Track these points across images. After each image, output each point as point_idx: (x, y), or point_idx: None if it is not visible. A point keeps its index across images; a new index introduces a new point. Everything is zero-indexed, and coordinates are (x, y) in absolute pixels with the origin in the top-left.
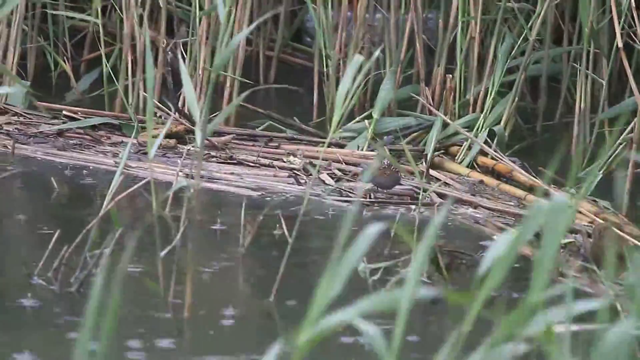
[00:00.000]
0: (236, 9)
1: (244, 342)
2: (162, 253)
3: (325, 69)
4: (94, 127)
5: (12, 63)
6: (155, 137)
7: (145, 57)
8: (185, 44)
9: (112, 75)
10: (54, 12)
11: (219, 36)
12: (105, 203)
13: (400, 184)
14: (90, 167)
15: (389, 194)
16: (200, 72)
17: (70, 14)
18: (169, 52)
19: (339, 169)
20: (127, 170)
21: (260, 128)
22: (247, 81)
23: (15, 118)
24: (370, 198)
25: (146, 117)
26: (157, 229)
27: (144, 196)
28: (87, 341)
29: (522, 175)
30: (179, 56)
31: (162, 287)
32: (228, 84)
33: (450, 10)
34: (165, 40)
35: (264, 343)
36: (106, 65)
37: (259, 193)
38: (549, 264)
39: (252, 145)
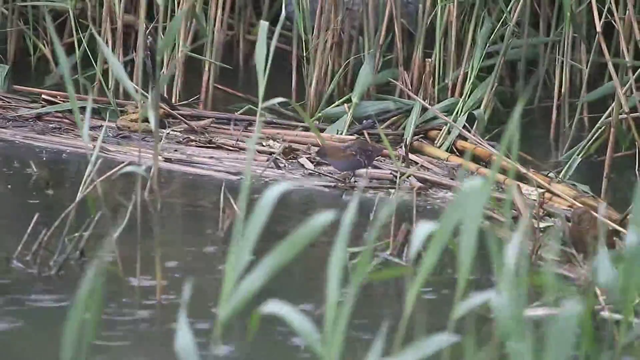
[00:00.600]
0: None
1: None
2: (115, 235)
3: (304, 53)
4: (72, 111)
5: None
6: (133, 120)
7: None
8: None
9: (92, 60)
10: (31, 3)
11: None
12: (82, 187)
13: (360, 168)
14: (69, 151)
15: (368, 179)
16: (178, 55)
17: (46, 2)
18: (149, 37)
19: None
20: (106, 154)
21: (239, 112)
22: (226, 65)
23: None
24: (349, 182)
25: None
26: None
27: (124, 180)
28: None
29: (501, 159)
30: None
31: (138, 273)
32: (207, 68)
33: None
34: (145, 24)
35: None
36: (81, 49)
37: (238, 177)
38: (470, 245)
39: (231, 129)
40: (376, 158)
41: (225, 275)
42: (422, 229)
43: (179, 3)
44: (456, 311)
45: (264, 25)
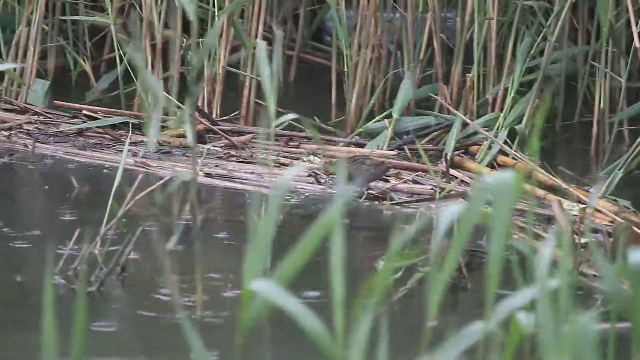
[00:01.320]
0: (252, 8)
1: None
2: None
3: (344, 68)
4: (113, 127)
5: (32, 62)
6: (174, 135)
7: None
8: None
9: (132, 74)
10: (71, 18)
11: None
12: (124, 203)
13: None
14: (110, 166)
15: (409, 194)
16: (220, 71)
17: (86, 18)
18: (189, 52)
19: None
20: (147, 169)
21: (280, 127)
22: (264, 80)
23: (36, 117)
24: (390, 199)
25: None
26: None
27: (164, 195)
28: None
29: (542, 175)
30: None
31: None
32: (247, 83)
33: (466, 9)
34: (184, 40)
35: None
36: (123, 64)
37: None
38: (502, 235)
39: (272, 144)
40: (376, 179)
41: (244, 280)
42: (444, 216)
43: (214, 18)
44: (491, 315)
45: (261, 45)
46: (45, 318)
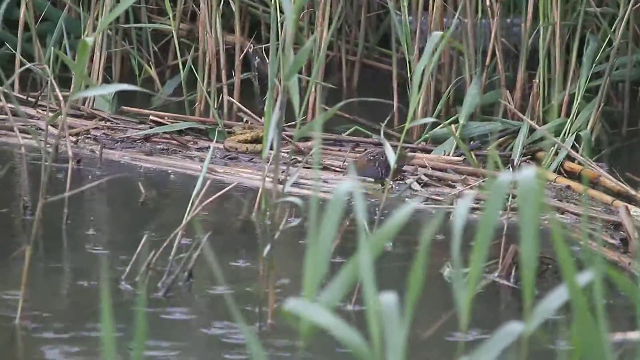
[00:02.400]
0: (317, 14)
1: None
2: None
3: (408, 74)
4: (180, 132)
5: (98, 68)
6: (241, 141)
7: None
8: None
9: (199, 80)
10: (134, 26)
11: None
12: (190, 208)
13: (376, 178)
14: (177, 172)
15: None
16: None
17: (149, 25)
18: (255, 57)
19: (426, 175)
20: (214, 175)
21: (346, 133)
22: (331, 85)
23: (103, 123)
24: (455, 203)
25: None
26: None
27: (232, 201)
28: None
29: (609, 181)
30: (266, 61)
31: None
32: (312, 89)
33: (528, 15)
34: (252, 45)
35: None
36: (191, 69)
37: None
38: (533, 235)
39: (339, 150)
40: (401, 168)
41: (305, 283)
42: (460, 209)
43: (282, 24)
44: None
45: (436, 34)
46: (104, 325)
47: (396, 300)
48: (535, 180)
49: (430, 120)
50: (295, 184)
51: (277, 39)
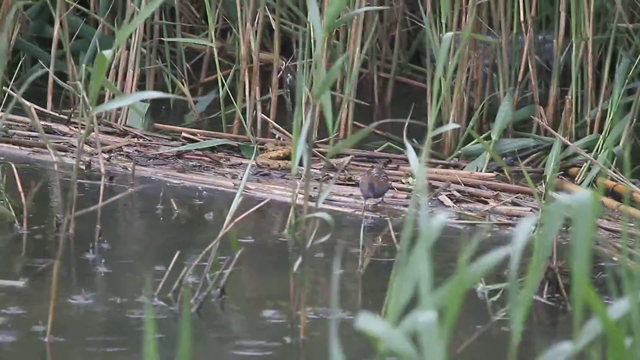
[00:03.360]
0: (350, 31)
1: None
2: (295, 267)
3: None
4: (213, 149)
5: (132, 85)
6: (273, 158)
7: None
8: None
9: (231, 97)
10: (170, 39)
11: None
12: (225, 224)
13: (391, 189)
14: (209, 189)
15: (508, 216)
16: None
17: (185, 40)
18: (288, 74)
19: (458, 191)
20: (246, 191)
21: (378, 149)
22: (363, 102)
23: (135, 140)
24: (489, 220)
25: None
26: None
27: (264, 217)
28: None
29: None
30: (297, 77)
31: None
32: (345, 105)
33: (560, 31)
34: (284, 62)
35: None
36: (223, 86)
37: (378, 214)
38: (584, 264)
39: (371, 167)
40: (382, 193)
41: (389, 309)
42: (520, 231)
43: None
44: (577, 338)
45: (448, 35)
46: (147, 342)
47: (434, 319)
48: (591, 202)
49: (453, 126)
50: (329, 201)
51: (310, 56)
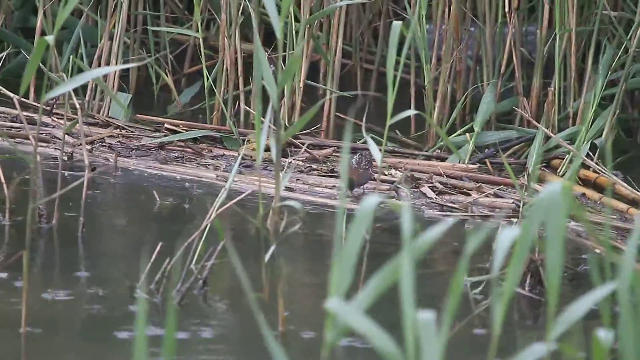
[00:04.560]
0: (332, 22)
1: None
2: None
3: (424, 82)
4: (195, 140)
5: (114, 76)
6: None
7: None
8: (284, 57)
9: (214, 88)
10: (155, 29)
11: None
12: (208, 215)
13: (373, 180)
14: (192, 180)
15: (490, 208)
16: (301, 85)
17: (171, 29)
18: (272, 65)
19: (440, 182)
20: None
21: (360, 141)
22: (345, 94)
23: (118, 131)
24: (471, 211)
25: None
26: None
27: (245, 209)
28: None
29: (624, 189)
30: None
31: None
32: (327, 97)
33: (544, 22)
34: (266, 53)
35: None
36: (207, 78)
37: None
38: (557, 256)
39: (353, 155)
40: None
41: (330, 296)
42: (503, 237)
43: (297, 32)
44: (552, 331)
45: (396, 24)
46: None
47: (434, 317)
48: (561, 194)
49: (413, 112)
50: (310, 192)
51: (292, 48)
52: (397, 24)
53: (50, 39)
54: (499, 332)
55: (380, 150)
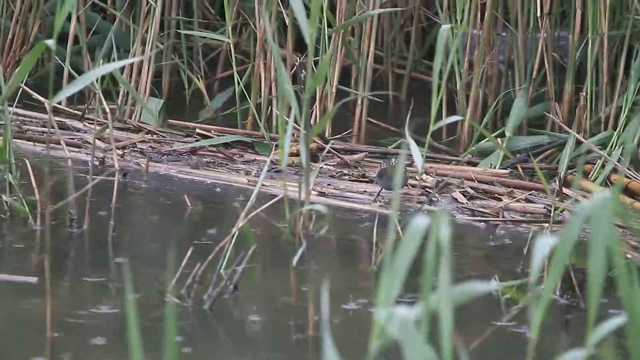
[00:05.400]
0: (364, 27)
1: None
2: (294, 262)
3: (457, 87)
4: (227, 145)
5: (147, 81)
6: (289, 155)
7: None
8: (316, 62)
9: (245, 93)
10: (187, 32)
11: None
12: (239, 220)
13: (407, 185)
14: (223, 185)
15: (522, 213)
16: (333, 90)
17: (203, 33)
18: (302, 70)
19: (472, 187)
20: (260, 188)
21: (392, 146)
22: (377, 99)
23: (149, 136)
24: (502, 216)
25: (279, 135)
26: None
27: (276, 213)
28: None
29: None
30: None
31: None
32: (359, 102)
33: (576, 27)
34: (298, 58)
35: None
36: (239, 83)
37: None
38: (600, 263)
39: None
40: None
41: (377, 308)
42: (541, 245)
43: (329, 38)
44: (591, 337)
45: (445, 27)
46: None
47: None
48: (610, 204)
49: (456, 118)
50: (342, 197)
51: (325, 53)
52: (445, 28)
53: (51, 42)
54: (536, 337)
55: (422, 155)
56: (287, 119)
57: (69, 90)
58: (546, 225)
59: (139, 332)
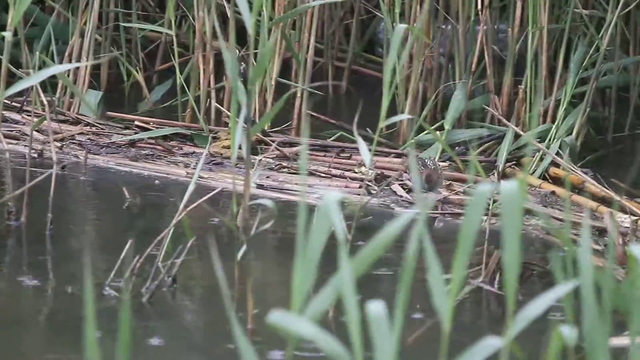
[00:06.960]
0: (305, 20)
1: None
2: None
3: (396, 80)
4: (165, 138)
5: (85, 73)
6: (226, 147)
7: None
8: (255, 55)
9: (185, 86)
10: (127, 25)
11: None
12: (177, 213)
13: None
14: (162, 177)
15: (461, 205)
16: (272, 83)
17: (143, 25)
18: (242, 63)
19: (411, 180)
20: (199, 180)
21: (331, 138)
22: (316, 91)
23: (88, 128)
24: (441, 209)
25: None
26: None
27: (216, 206)
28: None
29: (594, 187)
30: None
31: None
32: (298, 95)
33: (515, 20)
34: (238, 51)
35: None
36: (179, 75)
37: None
38: (514, 253)
39: (324, 156)
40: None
41: (293, 292)
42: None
43: (269, 30)
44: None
45: (400, 27)
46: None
47: (384, 309)
48: (518, 188)
49: (404, 117)
50: (281, 190)
51: (264, 45)
52: (400, 27)
53: (7, 34)
54: (448, 329)
55: (370, 150)
56: (228, 112)
57: (19, 85)
58: (484, 217)
59: (91, 326)
